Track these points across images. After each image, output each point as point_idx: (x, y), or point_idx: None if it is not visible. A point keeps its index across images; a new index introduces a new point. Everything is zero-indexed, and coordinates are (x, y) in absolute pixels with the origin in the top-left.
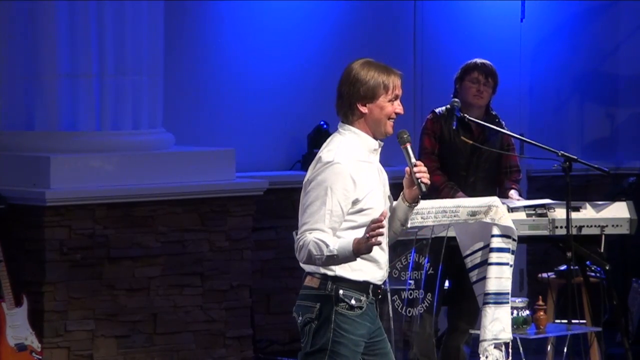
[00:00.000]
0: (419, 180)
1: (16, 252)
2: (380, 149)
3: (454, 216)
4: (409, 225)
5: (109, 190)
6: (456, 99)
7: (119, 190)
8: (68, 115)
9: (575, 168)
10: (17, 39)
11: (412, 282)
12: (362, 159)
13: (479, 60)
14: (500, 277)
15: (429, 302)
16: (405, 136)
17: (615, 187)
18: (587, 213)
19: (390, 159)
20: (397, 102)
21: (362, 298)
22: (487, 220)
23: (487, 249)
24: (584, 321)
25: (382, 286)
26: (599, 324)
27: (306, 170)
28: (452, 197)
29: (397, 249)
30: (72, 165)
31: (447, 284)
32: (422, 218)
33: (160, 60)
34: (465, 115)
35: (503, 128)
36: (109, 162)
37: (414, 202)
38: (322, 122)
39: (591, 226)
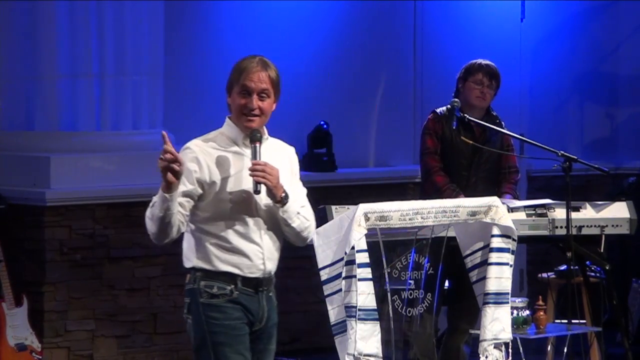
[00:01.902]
0: (254, 180)
1: (16, 252)
2: (260, 142)
3: (454, 216)
4: (294, 226)
5: (109, 190)
6: (456, 99)
7: (119, 190)
8: (68, 115)
9: (575, 168)
10: (17, 39)
11: (412, 282)
12: (226, 149)
13: (483, 62)
14: (500, 277)
15: (429, 302)
16: (258, 135)
17: (615, 187)
18: (587, 213)
19: (390, 158)
20: (254, 97)
21: (227, 288)
22: (487, 220)
23: (487, 249)
24: (584, 321)
25: (260, 277)
26: (599, 324)
27: (307, 170)
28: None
29: (397, 248)
30: (72, 165)
31: (447, 284)
32: (422, 218)
33: (160, 60)
34: (466, 115)
35: (503, 128)
36: (109, 162)
37: (277, 202)
38: (322, 122)
39: (591, 226)
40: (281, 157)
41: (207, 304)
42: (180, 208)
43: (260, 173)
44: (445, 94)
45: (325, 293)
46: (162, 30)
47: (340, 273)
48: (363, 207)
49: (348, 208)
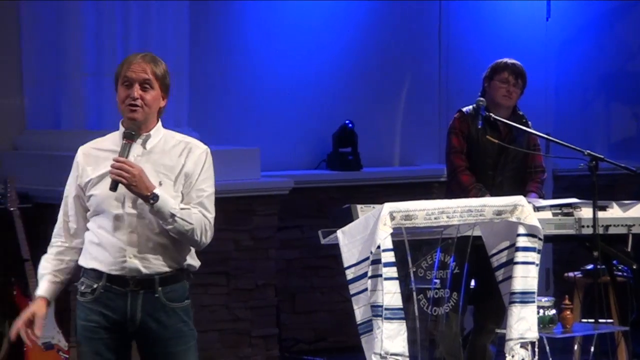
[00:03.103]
0: (110, 177)
1: (42, 251)
2: (146, 138)
3: (480, 215)
4: (168, 228)
5: None
6: (482, 98)
7: None
8: (94, 115)
9: (601, 167)
10: (44, 39)
11: (437, 281)
12: (110, 148)
13: (509, 61)
14: (526, 276)
15: (454, 301)
16: (129, 133)
17: None
18: (613, 212)
19: (416, 158)
20: (136, 86)
21: (93, 285)
22: (513, 219)
23: (513, 248)
24: (611, 320)
25: (126, 276)
26: (626, 324)
27: (332, 169)
28: None
29: (422, 248)
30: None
31: (472, 283)
32: (447, 217)
33: (186, 59)
34: (491, 114)
35: (529, 128)
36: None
37: (144, 201)
38: (347, 122)
39: (618, 225)
40: (172, 156)
41: (77, 302)
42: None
43: (116, 171)
44: (470, 94)
45: (351, 292)
46: (187, 30)
47: (366, 272)
48: (388, 206)
49: (373, 207)
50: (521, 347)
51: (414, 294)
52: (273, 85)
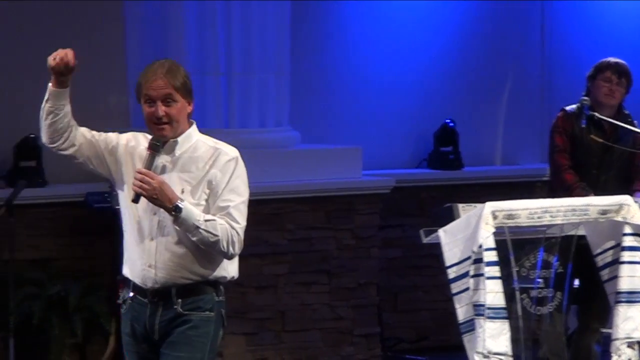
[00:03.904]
0: (133, 189)
1: None
2: (173, 145)
3: (584, 215)
4: (194, 239)
5: None
6: (585, 97)
7: None
8: (196, 113)
9: None
10: (148, 39)
11: (541, 280)
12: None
13: (612, 60)
14: (633, 275)
15: (558, 300)
16: (155, 144)
17: None
18: None
19: (518, 157)
20: (159, 104)
21: (127, 295)
22: (619, 218)
23: (619, 247)
24: None
25: (150, 287)
26: None
27: (433, 168)
28: None
29: (525, 247)
30: None
31: (576, 282)
32: (550, 216)
33: (287, 58)
34: (595, 113)
35: (636, 127)
36: None
37: (168, 213)
38: (448, 120)
39: None
40: (199, 163)
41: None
42: (79, 130)
43: (138, 182)
44: (573, 93)
45: (453, 291)
46: (288, 29)
47: (468, 271)
48: (490, 205)
49: (475, 206)
50: (628, 346)
51: (517, 293)
52: (375, 84)
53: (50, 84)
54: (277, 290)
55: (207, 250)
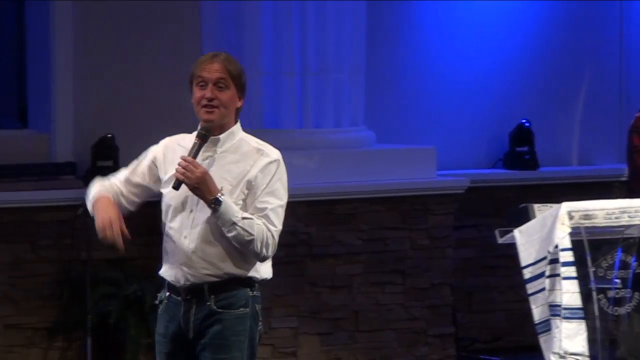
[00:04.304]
0: (175, 175)
1: None
2: (217, 141)
3: None
4: (229, 235)
5: (310, 188)
6: None
7: (320, 188)
8: (271, 113)
9: None
10: (224, 38)
11: (618, 281)
12: (186, 146)
13: None
14: None
15: (636, 301)
16: (202, 133)
17: None
18: None
19: (594, 157)
20: (210, 86)
21: (162, 295)
22: None
23: None
24: None
25: (185, 284)
26: None
27: (508, 168)
28: None
29: (602, 247)
30: None
31: None
32: (629, 217)
33: (362, 58)
34: None
35: None
36: (311, 159)
37: (208, 205)
38: (523, 120)
39: None
40: (240, 163)
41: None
42: (121, 195)
43: (182, 170)
44: None
45: (529, 292)
46: (364, 29)
47: (544, 272)
48: (566, 206)
49: (550, 207)
50: None
51: (594, 293)
52: (449, 84)
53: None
54: (351, 290)
55: (240, 249)
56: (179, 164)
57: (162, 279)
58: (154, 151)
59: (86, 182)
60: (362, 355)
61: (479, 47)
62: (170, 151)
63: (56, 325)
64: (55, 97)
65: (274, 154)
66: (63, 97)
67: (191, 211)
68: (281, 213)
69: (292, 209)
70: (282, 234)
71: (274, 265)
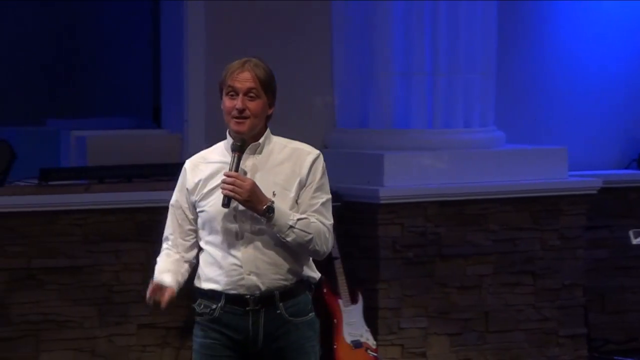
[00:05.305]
0: (222, 193)
1: (352, 249)
2: (252, 145)
3: None
4: (288, 240)
5: (440, 189)
6: None
7: (450, 189)
8: (401, 113)
9: None
10: (353, 39)
11: None
12: (219, 160)
13: None
14: None
15: None
16: (238, 145)
17: None
18: None
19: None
20: (241, 97)
21: (211, 306)
22: None
23: None
24: None
25: (245, 295)
26: None
27: None
28: None
29: None
30: (405, 162)
31: None
32: None
33: (493, 59)
34: None
35: None
36: (441, 160)
37: (260, 215)
38: None
39: None
40: (285, 164)
41: (195, 322)
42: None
43: (229, 186)
44: None
45: None
46: (495, 29)
47: None
48: None
49: None
50: None
51: None
52: (582, 84)
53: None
54: (481, 291)
55: (298, 251)
56: (224, 181)
57: (207, 292)
58: (181, 181)
59: None
60: (492, 355)
61: (611, 45)
62: (197, 171)
63: (189, 325)
64: (187, 98)
65: (314, 150)
66: (195, 97)
67: (243, 222)
68: (330, 208)
69: (422, 209)
70: (412, 234)
71: (402, 265)
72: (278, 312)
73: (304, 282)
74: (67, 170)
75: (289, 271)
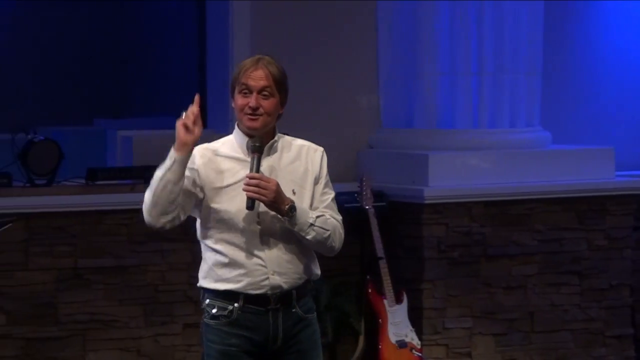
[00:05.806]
0: (247, 195)
1: (396, 249)
2: (268, 145)
3: None
4: (308, 238)
5: (485, 189)
6: None
7: (495, 188)
8: (446, 114)
9: None
10: (399, 39)
11: None
12: (231, 156)
13: None
14: None
15: None
16: (257, 145)
17: None
18: None
19: None
20: (255, 95)
21: (228, 307)
22: None
23: None
24: None
25: (267, 294)
26: None
27: None
28: None
29: None
30: (450, 162)
31: None
32: None
33: (539, 58)
34: None
35: None
36: (486, 160)
37: (282, 215)
38: None
39: None
40: (297, 162)
41: (208, 325)
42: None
43: (253, 188)
44: None
45: None
46: (541, 29)
47: None
48: None
49: None
50: None
51: None
52: (629, 84)
53: (174, 151)
54: (526, 291)
55: (314, 248)
56: (247, 183)
57: (223, 292)
58: (190, 164)
59: None
60: (538, 356)
61: None
62: (206, 159)
63: None
64: None
65: (318, 146)
66: None
67: (265, 220)
68: (336, 203)
69: (467, 209)
70: (456, 235)
71: (447, 265)
72: (294, 310)
73: (310, 280)
74: (114, 170)
75: (304, 269)
